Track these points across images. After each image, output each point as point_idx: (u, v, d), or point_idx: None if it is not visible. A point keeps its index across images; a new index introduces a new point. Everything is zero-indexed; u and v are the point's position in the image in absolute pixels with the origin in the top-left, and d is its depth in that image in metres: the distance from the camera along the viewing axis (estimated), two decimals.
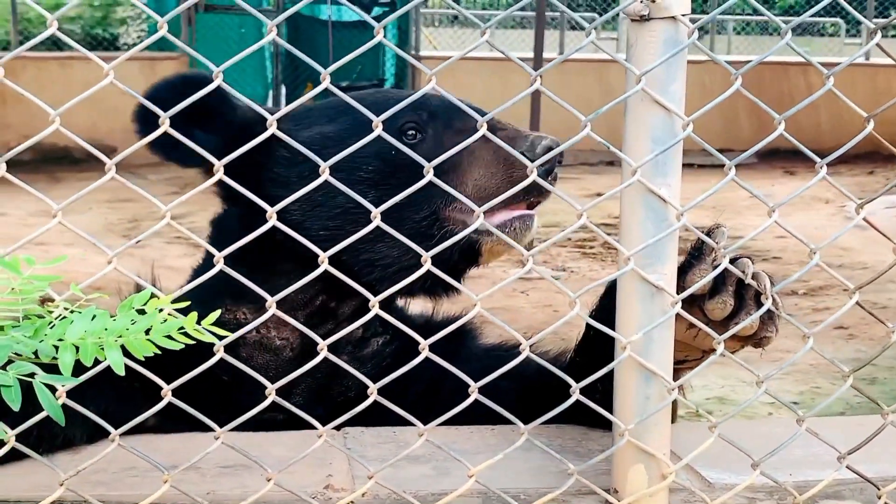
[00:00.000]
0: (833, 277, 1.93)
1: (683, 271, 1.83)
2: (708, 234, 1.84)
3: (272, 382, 1.67)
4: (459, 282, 2.15)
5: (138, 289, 2.29)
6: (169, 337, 1.37)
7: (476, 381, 1.78)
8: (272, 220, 1.64)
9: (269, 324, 2.20)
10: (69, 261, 1.70)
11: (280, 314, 1.68)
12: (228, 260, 1.61)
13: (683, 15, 1.72)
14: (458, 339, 2.29)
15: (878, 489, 1.90)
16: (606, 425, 1.90)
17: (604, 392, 1.89)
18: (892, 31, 19.42)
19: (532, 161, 1.98)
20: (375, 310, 1.70)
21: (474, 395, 1.76)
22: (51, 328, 1.34)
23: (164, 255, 9.01)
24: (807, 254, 1.86)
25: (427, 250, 1.70)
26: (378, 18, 14.07)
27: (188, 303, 1.52)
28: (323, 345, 1.72)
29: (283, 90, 13.72)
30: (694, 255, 1.85)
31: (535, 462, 1.98)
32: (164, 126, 1.52)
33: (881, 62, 14.90)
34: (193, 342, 1.44)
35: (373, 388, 1.73)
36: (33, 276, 1.43)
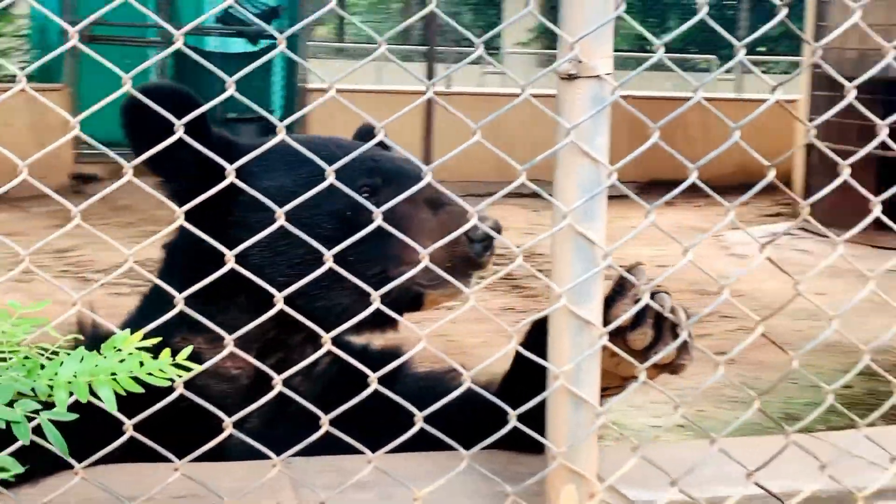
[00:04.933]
0: (712, 305, 2.12)
1: (608, 305, 1.99)
2: (629, 271, 2.01)
3: (230, 409, 1.81)
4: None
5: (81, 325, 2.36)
6: (150, 374, 1.48)
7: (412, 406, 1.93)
8: (230, 263, 1.77)
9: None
10: None
11: (238, 352, 1.81)
12: (181, 290, 1.74)
13: (607, 74, 1.89)
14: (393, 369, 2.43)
15: (782, 503, 2.09)
16: (532, 450, 2.06)
17: (529, 417, 2.04)
18: (762, 66, 20.21)
19: (472, 240, 2.28)
20: (328, 346, 1.84)
21: (420, 424, 1.90)
22: (42, 369, 1.44)
23: (54, 289, 8.89)
24: (685, 283, 2.06)
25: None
26: (265, 50, 14.19)
27: (158, 339, 1.64)
28: (278, 379, 1.85)
29: None
30: (617, 291, 2.02)
31: (470, 486, 2.12)
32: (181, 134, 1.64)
33: (751, 97, 15.59)
34: (171, 381, 1.55)
35: (325, 419, 1.86)
36: (19, 320, 1.53)
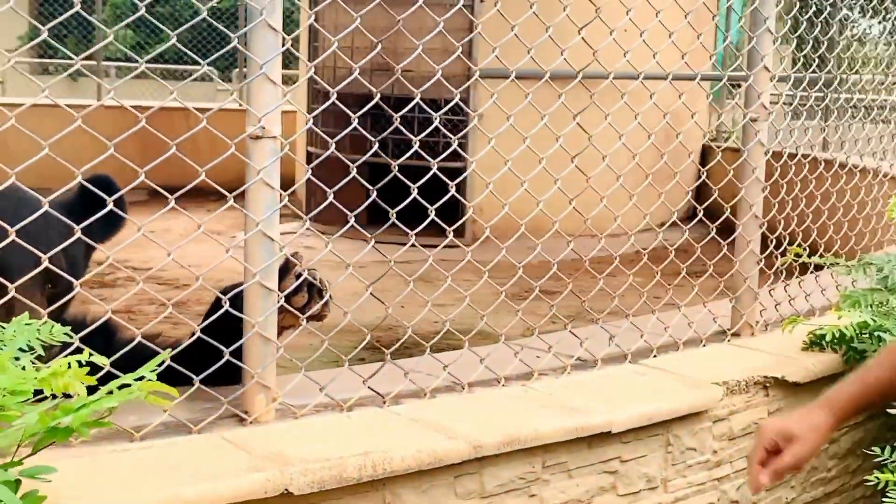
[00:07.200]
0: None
1: (280, 279, 3.14)
2: (292, 256, 3.17)
3: None
4: None
5: None
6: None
7: (126, 358, 2.96)
8: None
9: None
10: None
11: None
12: None
13: (279, 135, 3.04)
14: (109, 332, 3.35)
15: (384, 398, 3.35)
16: (224, 383, 3.14)
17: (217, 358, 3.10)
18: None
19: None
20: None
21: (168, 362, 2.94)
22: None
23: None
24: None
25: None
26: None
27: None
28: (75, 339, 2.82)
29: None
30: (285, 269, 3.16)
31: (198, 403, 3.13)
32: None
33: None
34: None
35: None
36: None
